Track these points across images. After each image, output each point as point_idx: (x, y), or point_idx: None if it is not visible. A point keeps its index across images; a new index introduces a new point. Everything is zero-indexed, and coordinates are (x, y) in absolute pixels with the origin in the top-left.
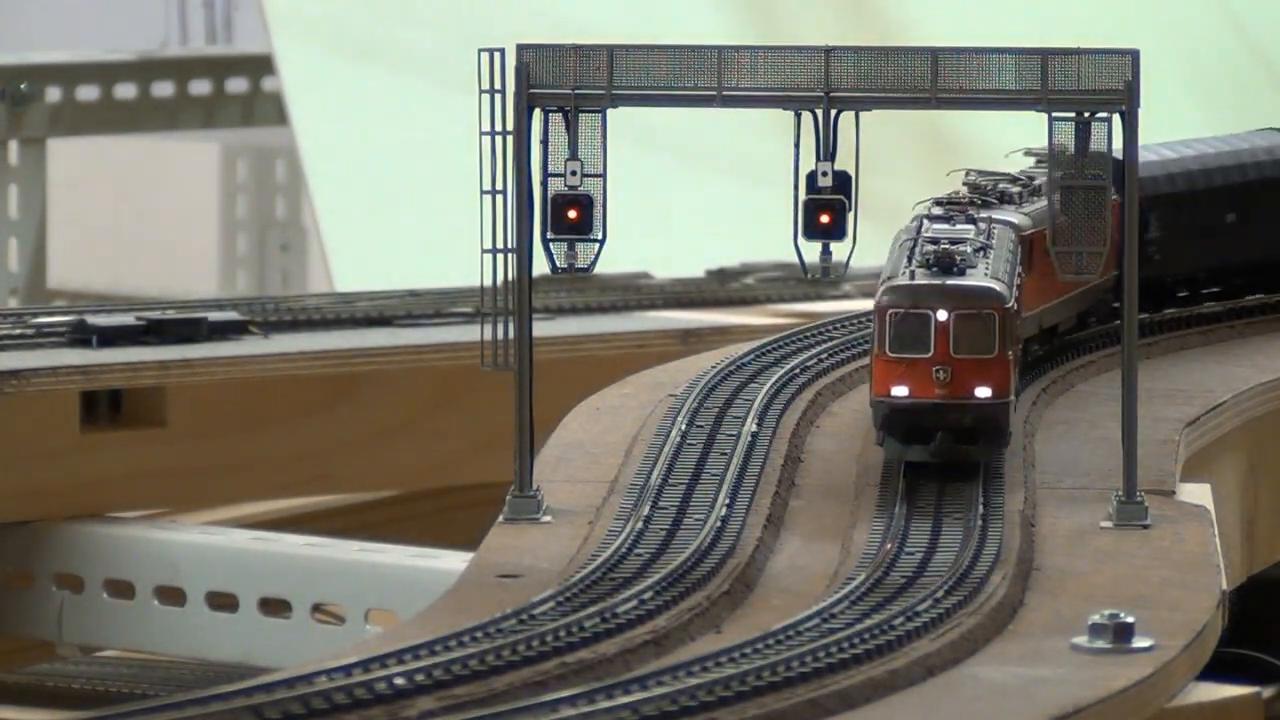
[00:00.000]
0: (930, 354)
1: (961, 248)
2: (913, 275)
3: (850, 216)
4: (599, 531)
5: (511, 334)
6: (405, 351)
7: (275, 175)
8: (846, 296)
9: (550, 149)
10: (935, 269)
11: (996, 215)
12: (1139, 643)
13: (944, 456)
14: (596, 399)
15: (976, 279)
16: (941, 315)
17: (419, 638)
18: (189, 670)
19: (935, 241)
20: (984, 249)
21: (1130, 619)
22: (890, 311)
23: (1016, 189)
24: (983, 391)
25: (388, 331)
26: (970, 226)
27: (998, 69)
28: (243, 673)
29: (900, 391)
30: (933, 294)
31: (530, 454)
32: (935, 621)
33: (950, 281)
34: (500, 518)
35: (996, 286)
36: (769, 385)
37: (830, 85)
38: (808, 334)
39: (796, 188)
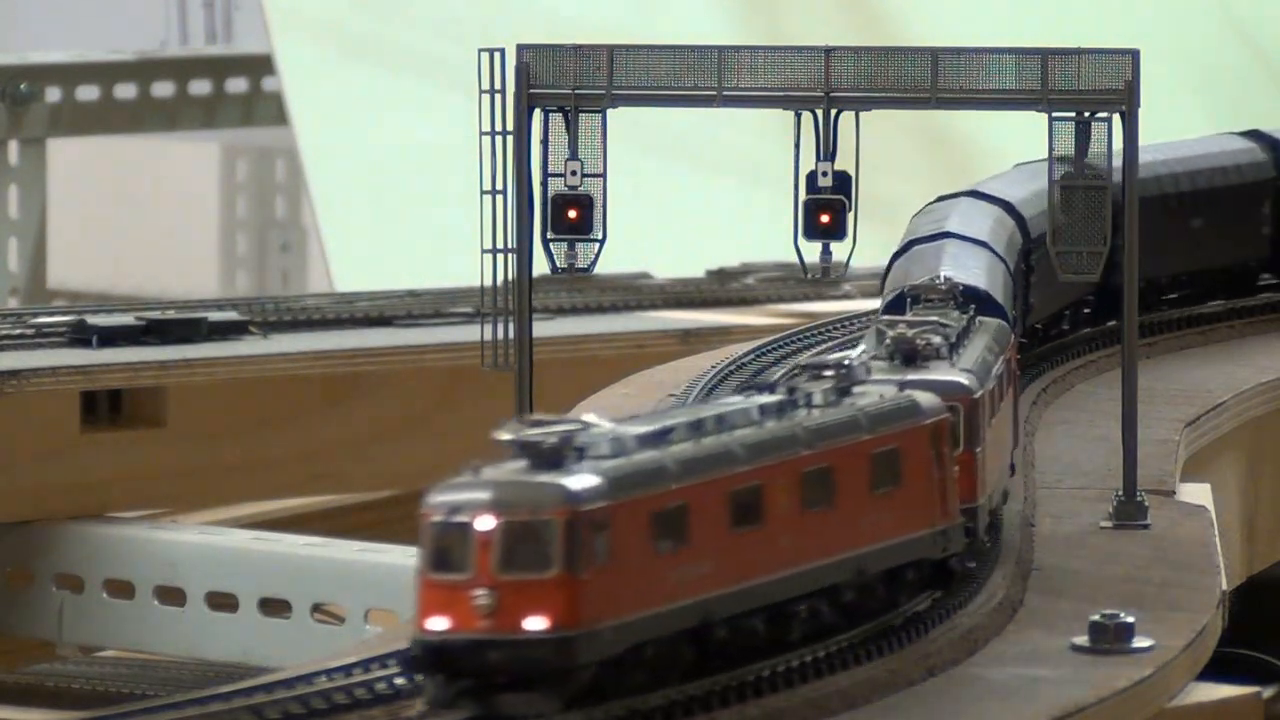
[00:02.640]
0: (470, 575)
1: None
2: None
3: (850, 216)
4: None
5: (512, 334)
6: (405, 351)
7: (275, 175)
8: (846, 296)
9: (550, 149)
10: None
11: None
12: (1139, 643)
13: (492, 709)
14: (596, 399)
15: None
16: (483, 524)
17: None
18: (189, 670)
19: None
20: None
21: (1130, 619)
22: (429, 520)
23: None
24: (536, 623)
25: (388, 331)
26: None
27: (998, 69)
28: (243, 673)
29: (437, 624)
30: (478, 496)
31: None
32: (935, 621)
33: (504, 479)
34: None
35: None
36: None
37: (830, 85)
38: (808, 334)
39: (796, 188)
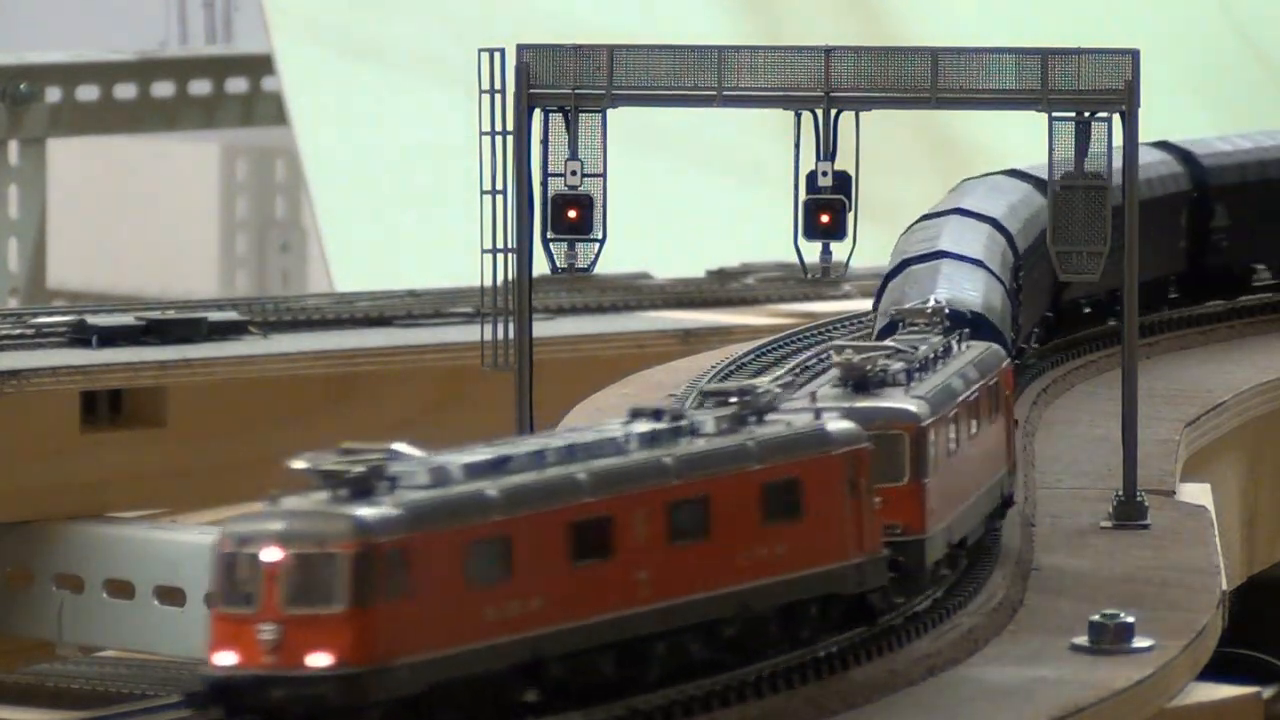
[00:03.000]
0: (256, 609)
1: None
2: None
3: (850, 216)
4: None
5: (512, 334)
6: (405, 351)
7: (275, 175)
8: (846, 296)
9: (550, 149)
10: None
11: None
12: (1139, 643)
13: None
14: (596, 399)
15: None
16: (269, 556)
17: None
18: (189, 670)
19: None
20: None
21: (1130, 619)
22: (220, 551)
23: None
24: (320, 659)
25: (388, 331)
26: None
27: (998, 69)
28: None
29: (224, 659)
30: (267, 527)
31: None
32: (935, 621)
33: (298, 509)
34: None
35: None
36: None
37: (830, 85)
38: (808, 334)
39: (796, 188)
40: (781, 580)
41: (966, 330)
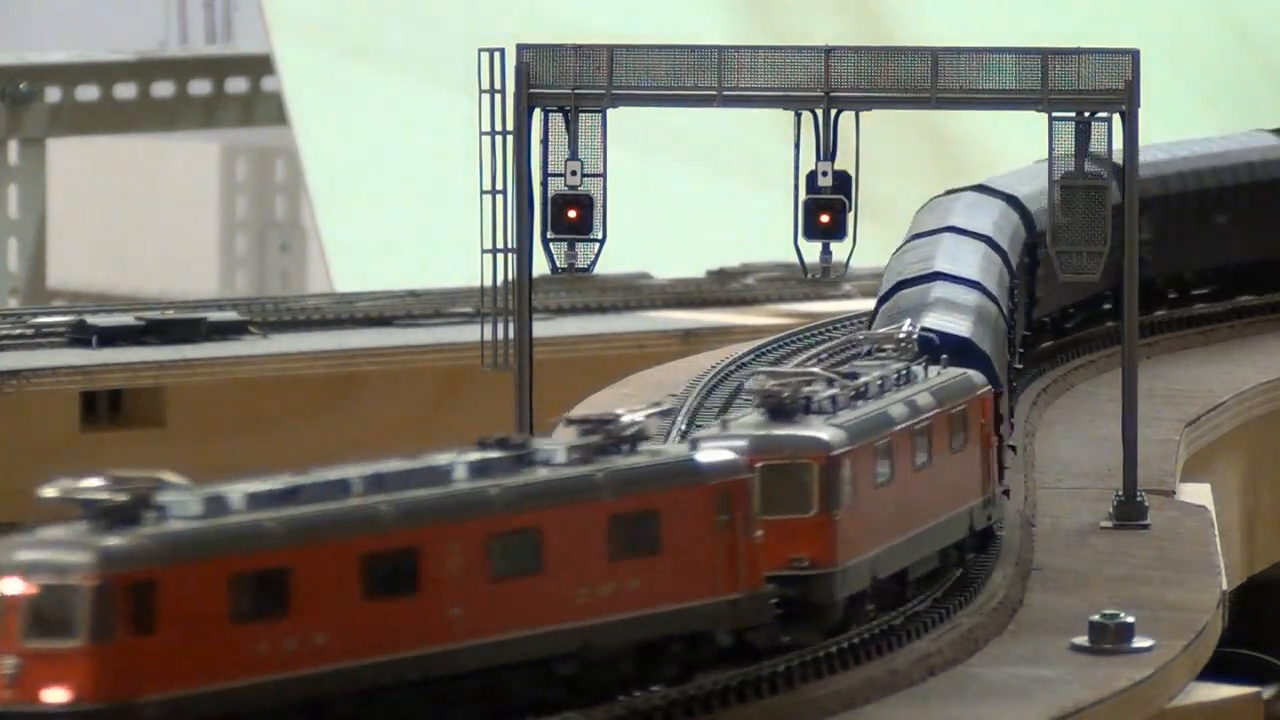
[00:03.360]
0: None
1: None
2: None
3: (850, 216)
4: None
5: (512, 334)
6: (405, 351)
7: (275, 175)
8: (846, 296)
9: (550, 149)
10: None
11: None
12: (1139, 643)
13: None
14: (596, 399)
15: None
16: (11, 588)
17: None
18: None
19: None
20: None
21: (1130, 619)
22: None
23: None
24: (56, 695)
25: (388, 331)
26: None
27: (998, 69)
28: None
29: None
30: (15, 557)
31: None
32: (935, 621)
33: (49, 539)
34: None
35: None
36: None
37: (830, 85)
38: (808, 334)
39: (796, 188)
40: (633, 617)
41: (944, 357)
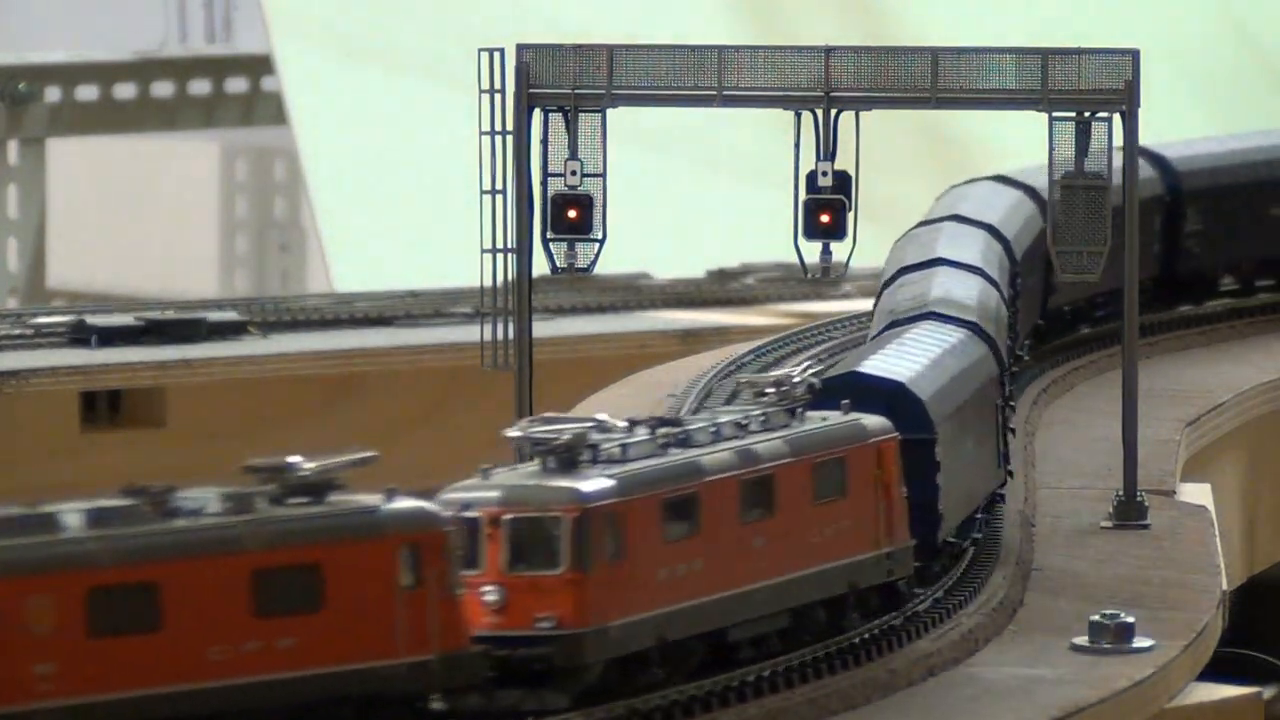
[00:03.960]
0: None
1: None
2: None
3: (850, 216)
4: None
5: (512, 334)
6: (405, 351)
7: (275, 175)
8: (846, 296)
9: (550, 149)
10: None
11: None
12: (1139, 643)
13: None
14: (596, 399)
15: None
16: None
17: None
18: None
19: None
20: None
21: (1130, 619)
22: None
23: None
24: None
25: (388, 331)
26: None
27: (998, 69)
28: None
29: None
30: None
31: None
32: (935, 621)
33: None
34: None
35: None
36: None
37: (830, 85)
38: (808, 334)
39: (796, 188)
40: (284, 679)
41: (845, 402)
